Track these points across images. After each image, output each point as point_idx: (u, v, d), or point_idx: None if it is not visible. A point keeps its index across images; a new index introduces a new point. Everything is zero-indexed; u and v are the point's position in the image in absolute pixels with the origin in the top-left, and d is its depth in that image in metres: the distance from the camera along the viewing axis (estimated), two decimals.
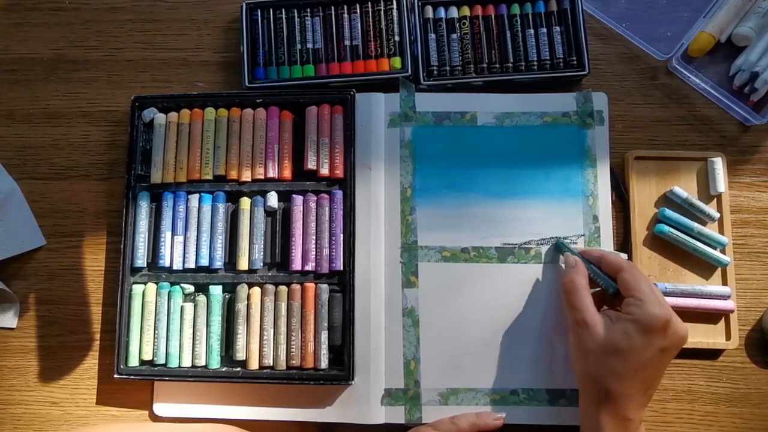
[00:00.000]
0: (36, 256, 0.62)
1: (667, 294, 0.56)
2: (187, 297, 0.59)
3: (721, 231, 0.59)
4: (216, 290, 0.58)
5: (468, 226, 0.59)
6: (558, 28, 0.61)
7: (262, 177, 0.59)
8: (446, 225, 0.59)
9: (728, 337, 0.57)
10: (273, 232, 0.60)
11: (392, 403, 0.57)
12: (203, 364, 0.57)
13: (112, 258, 0.61)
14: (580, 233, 0.58)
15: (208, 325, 0.58)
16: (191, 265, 0.59)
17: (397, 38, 0.62)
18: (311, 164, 0.59)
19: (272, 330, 0.57)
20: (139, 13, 0.66)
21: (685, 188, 0.59)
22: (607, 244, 0.58)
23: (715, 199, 0.59)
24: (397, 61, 0.61)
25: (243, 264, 0.58)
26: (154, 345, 0.57)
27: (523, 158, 0.60)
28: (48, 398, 0.60)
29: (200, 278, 0.58)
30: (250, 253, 0.59)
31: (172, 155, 0.60)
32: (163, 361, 0.57)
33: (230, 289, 0.59)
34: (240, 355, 0.57)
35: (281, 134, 0.60)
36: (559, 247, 0.58)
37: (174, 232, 0.59)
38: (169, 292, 0.58)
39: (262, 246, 0.59)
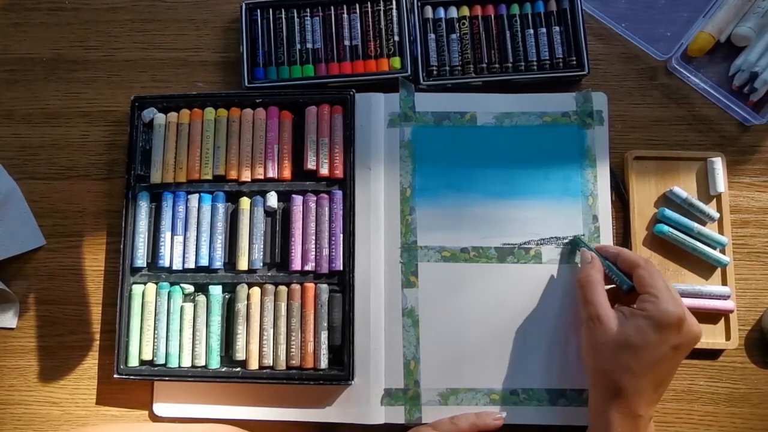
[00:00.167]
0: (36, 256, 0.62)
1: None
2: (186, 297, 0.59)
3: (721, 231, 0.59)
4: (216, 290, 0.58)
5: (468, 226, 0.59)
6: (557, 28, 0.61)
7: (262, 177, 0.59)
8: (446, 225, 0.59)
9: (728, 337, 0.57)
10: (273, 232, 0.60)
11: (392, 403, 0.57)
12: (203, 364, 0.57)
13: (111, 258, 0.61)
14: (579, 233, 0.58)
15: (207, 325, 0.58)
16: (191, 265, 0.59)
17: (396, 38, 0.62)
18: (311, 164, 0.59)
19: (272, 330, 0.57)
20: (138, 13, 0.66)
21: (685, 188, 0.59)
22: (606, 244, 0.58)
23: (714, 199, 0.59)
24: (396, 61, 0.61)
25: (243, 264, 0.58)
26: (153, 345, 0.57)
27: (522, 158, 0.60)
28: (48, 398, 0.60)
29: (200, 278, 0.58)
30: (250, 253, 0.59)
31: (171, 155, 0.60)
32: (162, 361, 0.57)
33: (230, 289, 0.59)
34: (240, 355, 0.57)
35: (281, 134, 0.60)
36: (576, 244, 0.57)
37: (174, 232, 0.59)
38: (168, 292, 0.58)
39: (262, 246, 0.59)
